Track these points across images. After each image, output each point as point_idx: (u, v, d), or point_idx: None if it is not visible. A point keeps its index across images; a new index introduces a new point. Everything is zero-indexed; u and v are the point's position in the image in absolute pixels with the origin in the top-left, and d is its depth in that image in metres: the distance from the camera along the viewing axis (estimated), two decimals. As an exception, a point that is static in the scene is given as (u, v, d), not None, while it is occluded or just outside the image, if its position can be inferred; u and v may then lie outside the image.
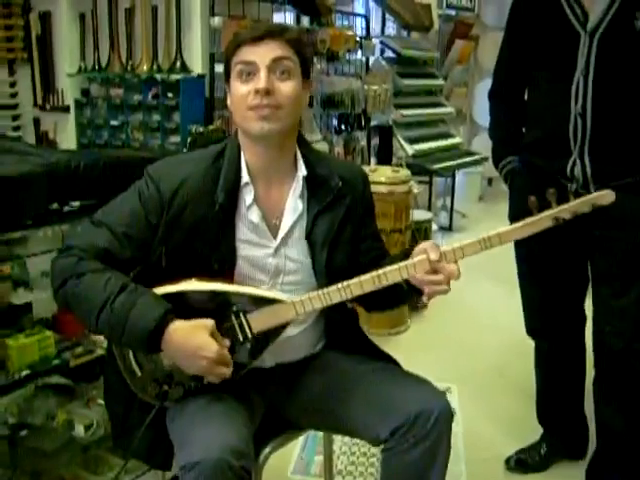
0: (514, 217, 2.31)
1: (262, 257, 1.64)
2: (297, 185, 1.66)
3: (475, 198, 7.67)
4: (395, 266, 1.52)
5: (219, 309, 1.54)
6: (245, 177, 1.61)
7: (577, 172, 2.11)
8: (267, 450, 1.69)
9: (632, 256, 2.11)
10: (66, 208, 2.10)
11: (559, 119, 2.11)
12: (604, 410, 2.30)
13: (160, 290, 1.54)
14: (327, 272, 1.64)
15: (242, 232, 1.63)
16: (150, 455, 1.70)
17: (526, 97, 2.33)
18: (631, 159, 2.09)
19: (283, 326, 1.58)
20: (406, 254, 1.57)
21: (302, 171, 1.65)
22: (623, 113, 2.06)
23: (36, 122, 4.18)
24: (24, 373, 2.00)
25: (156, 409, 1.61)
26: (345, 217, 1.69)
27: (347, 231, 1.70)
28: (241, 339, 1.55)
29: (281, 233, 1.65)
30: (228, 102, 1.63)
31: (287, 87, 1.55)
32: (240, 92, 1.55)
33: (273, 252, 1.65)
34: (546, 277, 2.35)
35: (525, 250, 2.35)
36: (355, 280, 1.53)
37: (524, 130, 2.34)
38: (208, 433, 1.46)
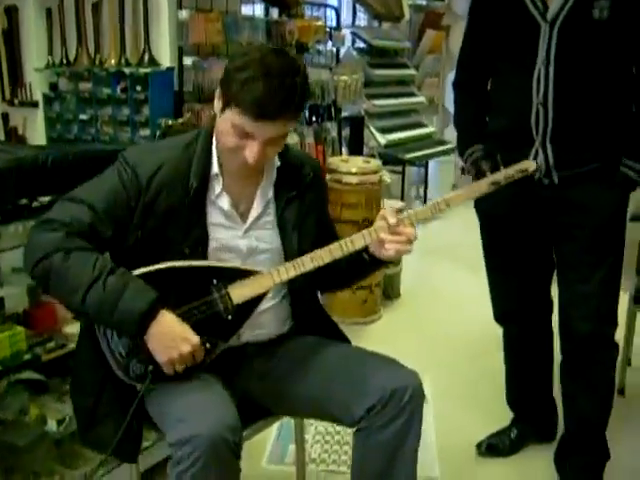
0: (478, 206, 2.38)
1: (233, 238, 1.70)
2: (270, 175, 1.73)
3: (448, 186, 7.72)
4: (359, 233, 1.61)
5: (200, 284, 1.60)
6: (215, 169, 1.66)
7: (540, 160, 2.14)
8: (243, 435, 1.68)
9: (595, 242, 2.15)
10: (35, 204, 2.10)
11: (521, 109, 2.14)
12: (571, 395, 2.35)
13: (140, 269, 1.58)
14: (298, 255, 1.67)
15: (213, 216, 1.68)
16: (118, 448, 1.67)
17: (490, 87, 2.35)
18: (592, 147, 2.12)
19: (260, 298, 1.64)
20: None
21: (276, 162, 1.72)
22: (584, 102, 2.09)
23: (5, 117, 4.15)
24: None
25: (142, 392, 1.62)
26: (310, 205, 1.79)
27: (311, 218, 1.79)
28: (223, 311, 1.61)
29: (251, 217, 1.71)
30: (215, 101, 1.62)
31: (277, 149, 1.64)
32: (228, 139, 1.57)
33: (242, 234, 1.71)
34: (512, 264, 2.39)
35: (492, 238, 2.39)
36: (325, 248, 1.62)
37: (488, 119, 2.36)
38: (202, 409, 1.51)
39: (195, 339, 1.54)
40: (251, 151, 1.54)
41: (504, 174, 1.73)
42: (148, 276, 1.57)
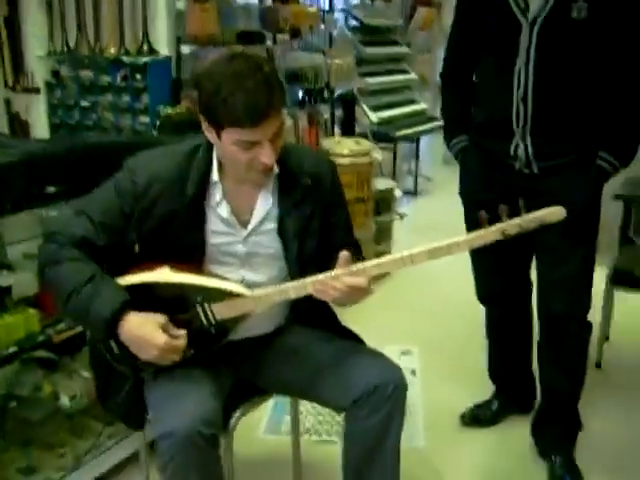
0: (463, 193, 2.49)
1: (232, 244, 1.76)
2: (269, 183, 1.74)
3: (440, 161, 7.78)
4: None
5: (185, 298, 1.69)
6: (215, 177, 1.71)
7: (520, 152, 2.24)
8: (237, 414, 1.86)
9: (571, 228, 2.16)
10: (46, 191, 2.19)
11: (503, 103, 2.22)
12: (547, 371, 2.49)
13: (132, 280, 1.69)
14: (299, 261, 1.77)
15: (212, 223, 1.74)
16: (126, 416, 1.91)
17: (475, 79, 2.42)
18: (570, 140, 2.21)
19: (243, 316, 1.72)
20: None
21: (274, 169, 1.70)
22: (562, 99, 2.17)
23: (7, 103, 4.23)
24: (11, 349, 2.11)
25: (131, 382, 1.80)
26: (314, 209, 1.78)
27: (316, 221, 1.79)
28: (206, 325, 1.71)
29: (251, 225, 1.75)
30: (206, 133, 1.64)
31: (282, 139, 1.64)
32: (240, 159, 1.59)
33: (242, 240, 1.76)
34: (493, 249, 2.50)
35: (475, 223, 2.51)
36: (302, 281, 1.65)
37: (473, 110, 2.44)
38: (180, 404, 1.62)
39: (160, 341, 1.59)
40: (265, 154, 1.57)
41: (521, 222, 1.57)
42: (134, 288, 1.67)
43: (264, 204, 1.75)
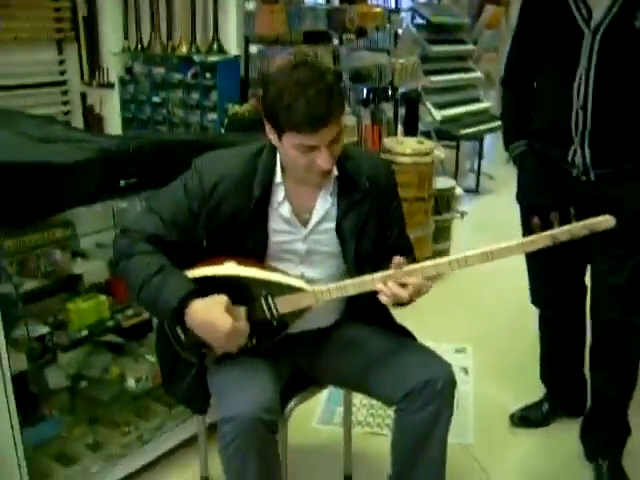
0: (520, 197, 2.52)
1: (292, 242, 1.84)
2: (328, 185, 1.81)
3: (503, 160, 7.67)
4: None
5: (250, 291, 1.78)
6: (278, 178, 1.79)
7: (577, 160, 2.25)
8: (292, 403, 1.95)
9: (626, 235, 2.24)
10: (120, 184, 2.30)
11: (562, 111, 2.24)
12: (597, 376, 2.49)
13: (199, 272, 1.78)
14: (356, 260, 1.84)
15: (275, 222, 1.82)
16: (190, 401, 2.02)
17: (536, 85, 2.43)
18: (628, 149, 2.22)
19: (303, 310, 1.79)
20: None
21: (333, 172, 1.78)
22: (621, 108, 2.18)
23: (83, 97, 4.42)
24: (83, 333, 2.24)
25: (197, 367, 1.90)
26: (371, 210, 1.84)
27: (373, 221, 1.85)
28: (269, 317, 1.79)
29: (311, 224, 1.83)
30: (269, 136, 1.72)
31: (340, 145, 1.72)
32: (299, 162, 1.68)
33: (303, 238, 1.84)
34: (549, 253, 2.51)
35: (529, 226, 2.52)
36: (362, 278, 1.72)
37: (533, 116, 2.44)
38: (243, 391, 1.71)
39: (226, 327, 1.65)
40: (323, 159, 1.65)
41: (571, 228, 1.62)
42: (202, 280, 1.75)
43: (323, 204, 1.82)
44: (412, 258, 1.85)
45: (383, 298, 1.68)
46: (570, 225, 1.63)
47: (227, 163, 1.81)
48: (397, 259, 1.67)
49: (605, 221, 1.64)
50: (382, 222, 1.89)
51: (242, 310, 1.74)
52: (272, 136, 1.71)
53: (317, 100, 1.58)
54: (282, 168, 1.79)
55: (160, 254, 1.77)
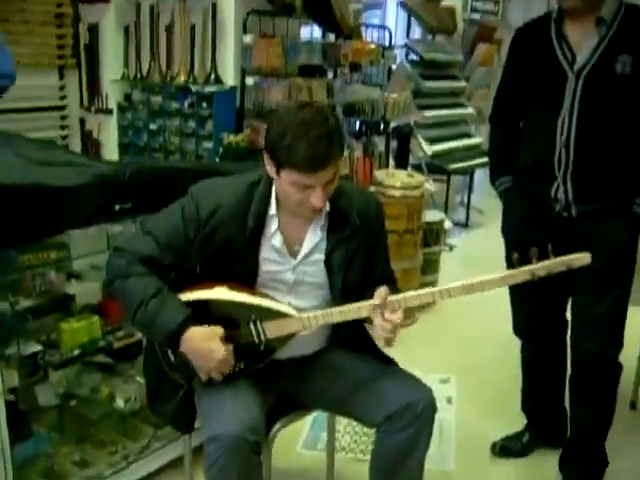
0: (504, 231, 2.59)
1: (282, 272, 1.89)
2: (320, 219, 1.86)
3: (492, 194, 7.71)
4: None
5: (239, 315, 1.83)
6: (272, 210, 1.83)
7: (560, 195, 2.33)
8: (277, 426, 1.98)
9: (606, 271, 2.31)
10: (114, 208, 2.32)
11: (547, 147, 2.32)
12: (576, 408, 2.54)
13: (191, 296, 1.83)
14: (342, 291, 1.89)
15: (266, 251, 1.86)
16: (176, 421, 2.05)
17: (523, 123, 2.51)
18: (609, 187, 2.30)
19: (290, 336, 1.85)
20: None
21: (326, 208, 1.83)
22: (603, 148, 2.26)
23: (82, 122, 4.50)
24: (75, 352, 2.27)
25: (184, 389, 1.94)
26: (359, 246, 1.90)
27: (360, 256, 1.91)
28: (257, 342, 1.84)
29: (300, 255, 1.88)
30: (267, 167, 1.77)
31: (334, 185, 1.77)
32: (293, 197, 1.74)
33: (292, 269, 1.89)
34: (532, 286, 2.56)
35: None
36: (347, 306, 1.80)
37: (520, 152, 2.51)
38: (229, 411, 1.76)
39: (219, 355, 1.75)
40: (316, 197, 1.70)
41: (548, 264, 1.69)
42: (193, 303, 1.80)
43: (313, 237, 1.88)
44: (395, 288, 1.90)
45: (380, 333, 1.76)
46: (548, 261, 1.70)
47: (224, 192, 1.85)
48: (381, 290, 1.74)
49: (581, 258, 1.72)
50: (369, 256, 1.94)
51: (230, 347, 1.80)
52: (270, 168, 1.75)
53: (318, 143, 1.64)
54: (277, 200, 1.84)
55: (155, 277, 1.82)
